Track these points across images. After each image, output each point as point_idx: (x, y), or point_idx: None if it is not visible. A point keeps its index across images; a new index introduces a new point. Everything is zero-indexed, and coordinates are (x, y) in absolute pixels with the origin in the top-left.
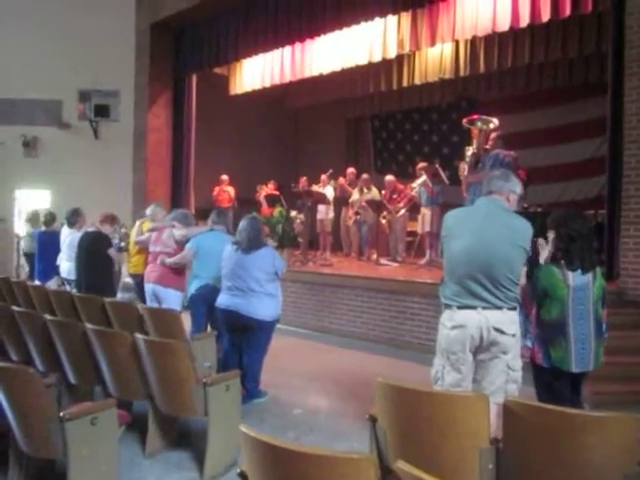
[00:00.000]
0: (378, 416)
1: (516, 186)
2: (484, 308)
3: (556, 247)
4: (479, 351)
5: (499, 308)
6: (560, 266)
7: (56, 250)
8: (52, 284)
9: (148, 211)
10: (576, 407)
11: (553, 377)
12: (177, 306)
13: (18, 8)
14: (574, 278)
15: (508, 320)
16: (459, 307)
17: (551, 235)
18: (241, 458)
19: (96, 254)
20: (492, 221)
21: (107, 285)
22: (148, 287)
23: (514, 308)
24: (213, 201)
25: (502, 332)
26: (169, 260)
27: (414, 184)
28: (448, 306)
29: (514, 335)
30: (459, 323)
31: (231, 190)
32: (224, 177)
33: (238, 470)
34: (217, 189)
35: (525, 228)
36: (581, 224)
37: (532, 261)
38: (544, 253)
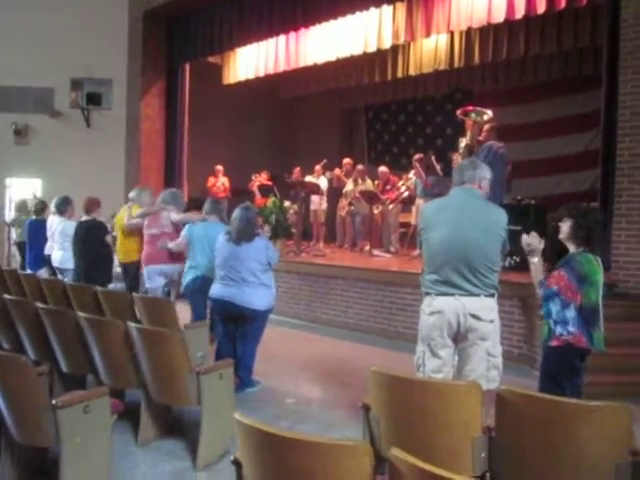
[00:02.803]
0: (371, 405)
1: (485, 172)
2: (461, 295)
3: (577, 235)
4: (458, 338)
5: (476, 295)
6: (593, 252)
7: (46, 239)
8: (43, 274)
9: (133, 195)
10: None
11: (583, 359)
12: (155, 282)
13: None
14: (601, 264)
15: (485, 307)
16: (437, 294)
17: (567, 223)
18: (234, 447)
19: (94, 243)
20: (467, 210)
21: (107, 274)
22: (154, 269)
23: (491, 295)
24: (208, 191)
25: (478, 318)
26: (171, 244)
27: (410, 174)
28: (427, 294)
29: (492, 321)
30: (437, 309)
31: (226, 180)
32: (219, 167)
33: (232, 458)
34: (212, 179)
35: (499, 216)
36: (599, 216)
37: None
38: (539, 245)
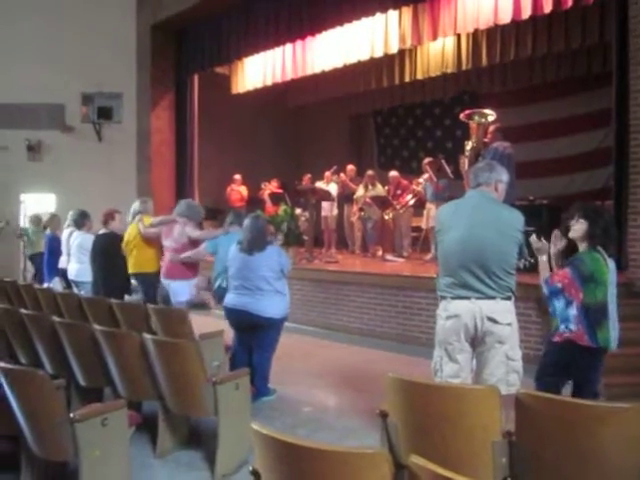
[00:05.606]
0: (389, 411)
1: (502, 175)
2: (477, 298)
3: (591, 235)
4: (476, 342)
5: (492, 298)
6: (600, 252)
7: (60, 253)
8: (56, 285)
9: (139, 207)
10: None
11: (594, 357)
12: (184, 296)
13: (20, 12)
14: (610, 263)
15: (502, 309)
16: (453, 298)
17: (581, 224)
18: (252, 457)
19: (110, 255)
20: (481, 212)
21: (125, 285)
22: (180, 284)
23: (508, 298)
24: (225, 200)
25: (495, 321)
26: (182, 256)
27: (420, 179)
28: (443, 297)
29: (509, 324)
30: (453, 313)
31: (243, 189)
32: (237, 176)
33: (250, 468)
34: (229, 188)
35: (515, 218)
36: (610, 215)
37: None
38: (559, 244)
